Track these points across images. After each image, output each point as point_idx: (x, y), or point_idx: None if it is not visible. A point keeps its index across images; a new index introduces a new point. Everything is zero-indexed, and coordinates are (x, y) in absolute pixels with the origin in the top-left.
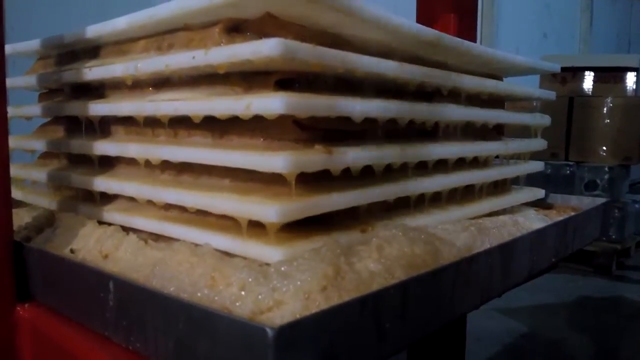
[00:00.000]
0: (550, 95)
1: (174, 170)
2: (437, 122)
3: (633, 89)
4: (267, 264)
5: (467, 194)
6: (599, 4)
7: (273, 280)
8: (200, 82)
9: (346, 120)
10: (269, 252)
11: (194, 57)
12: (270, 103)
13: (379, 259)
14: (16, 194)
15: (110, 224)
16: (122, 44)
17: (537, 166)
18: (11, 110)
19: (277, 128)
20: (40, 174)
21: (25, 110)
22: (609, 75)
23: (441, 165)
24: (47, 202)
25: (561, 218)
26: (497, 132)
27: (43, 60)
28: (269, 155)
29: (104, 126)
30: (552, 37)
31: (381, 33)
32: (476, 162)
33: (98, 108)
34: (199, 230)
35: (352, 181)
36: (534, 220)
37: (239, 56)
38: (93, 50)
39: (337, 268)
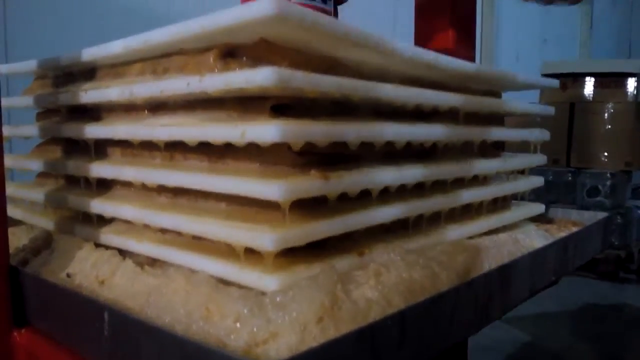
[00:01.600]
0: (549, 111)
1: (171, 193)
2: (435, 142)
3: (634, 94)
4: (263, 293)
5: (466, 211)
6: (598, 9)
7: (268, 312)
8: (196, 106)
9: (343, 143)
10: (266, 280)
11: (188, 84)
12: (264, 131)
13: (376, 286)
14: (14, 212)
15: (107, 246)
16: (117, 67)
17: (536, 181)
18: (8, 130)
19: (273, 153)
20: (37, 195)
21: (22, 130)
22: (610, 81)
23: (439, 185)
24: (44, 221)
25: (561, 235)
26: (496, 147)
27: (40, 80)
28: (263, 182)
29: (100, 147)
30: (552, 42)
31: (377, 56)
32: (475, 180)
33: (94, 131)
34: (195, 255)
35: (348, 204)
36: (535, 237)
37: (233, 84)
38: (89, 72)
39: (333, 297)
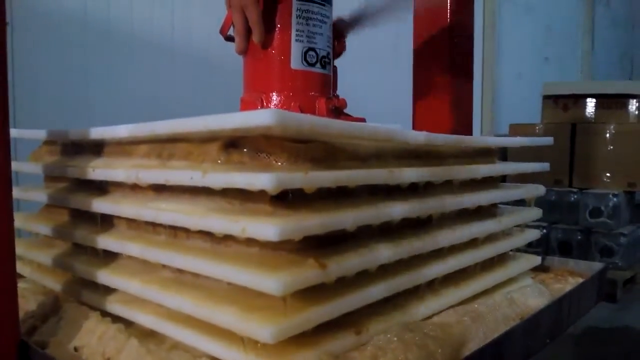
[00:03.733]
0: (544, 167)
1: (175, 268)
2: (431, 214)
3: (636, 115)
4: None
5: (461, 273)
6: (599, 27)
7: None
8: (199, 193)
9: None
10: None
11: (192, 178)
12: (264, 230)
13: None
14: (23, 269)
15: (113, 315)
16: (124, 145)
17: (532, 236)
18: (17, 193)
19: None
20: (45, 257)
21: (31, 195)
22: (611, 102)
23: (435, 252)
24: (52, 282)
25: (558, 288)
26: (491, 204)
27: (49, 145)
28: (262, 275)
29: (107, 217)
30: (554, 60)
31: (372, 142)
32: (470, 242)
33: (101, 206)
34: (197, 334)
35: (346, 282)
36: (530, 295)
37: (234, 184)
38: (97, 147)
39: None
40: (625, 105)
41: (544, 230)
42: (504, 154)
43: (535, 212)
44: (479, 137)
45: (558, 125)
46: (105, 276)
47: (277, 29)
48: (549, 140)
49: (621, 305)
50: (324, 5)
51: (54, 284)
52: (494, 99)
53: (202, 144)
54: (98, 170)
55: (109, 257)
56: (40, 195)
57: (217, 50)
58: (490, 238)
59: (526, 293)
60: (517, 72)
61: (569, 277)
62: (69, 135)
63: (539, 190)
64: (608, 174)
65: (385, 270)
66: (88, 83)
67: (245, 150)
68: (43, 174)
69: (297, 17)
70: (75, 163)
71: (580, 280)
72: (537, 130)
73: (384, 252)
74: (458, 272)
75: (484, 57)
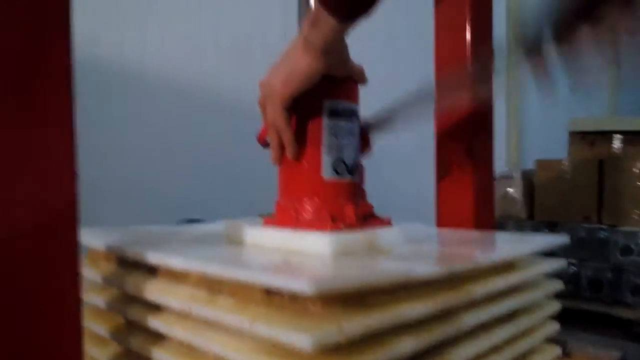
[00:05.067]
0: (562, 264)
1: None
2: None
3: None
4: None
5: None
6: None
7: None
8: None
9: None
10: None
11: (240, 324)
12: None
13: None
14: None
15: None
16: (177, 272)
17: (553, 328)
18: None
19: None
20: (101, 356)
21: (91, 298)
22: (638, 138)
23: None
24: None
25: None
26: None
27: (107, 252)
28: None
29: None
30: (580, 93)
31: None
32: (493, 349)
33: (155, 324)
34: None
35: None
36: None
37: (277, 338)
38: (152, 268)
39: None
40: None
41: (574, 268)
42: (530, 185)
43: (555, 306)
44: (495, 254)
45: (585, 161)
46: None
47: (308, 144)
48: (564, 239)
49: None
50: (351, 119)
51: None
52: (519, 131)
53: (247, 286)
54: (154, 294)
55: None
56: (99, 300)
57: (248, 95)
58: (510, 340)
59: None
60: (542, 104)
61: None
62: (126, 253)
63: (556, 285)
64: (637, 211)
65: None
66: (125, 129)
67: (285, 294)
68: (102, 282)
69: (327, 133)
70: (132, 279)
71: None
72: (564, 167)
73: None
74: None
75: (508, 89)
